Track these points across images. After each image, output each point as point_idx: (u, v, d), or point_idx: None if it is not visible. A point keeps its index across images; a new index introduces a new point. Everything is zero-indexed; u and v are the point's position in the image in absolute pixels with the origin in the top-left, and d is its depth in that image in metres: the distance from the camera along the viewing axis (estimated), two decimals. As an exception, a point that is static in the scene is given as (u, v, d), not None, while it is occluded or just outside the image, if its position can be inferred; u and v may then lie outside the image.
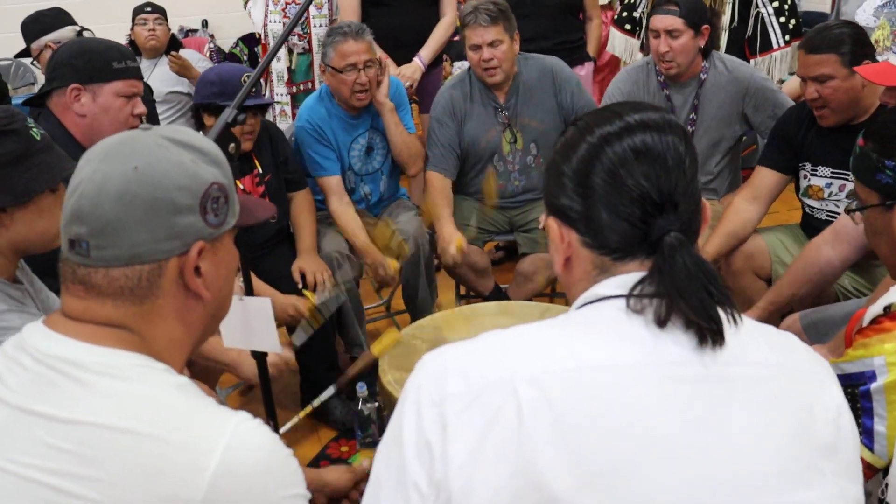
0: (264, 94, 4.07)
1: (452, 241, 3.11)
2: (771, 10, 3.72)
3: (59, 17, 3.69)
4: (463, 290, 3.58)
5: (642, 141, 1.02)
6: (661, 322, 0.97)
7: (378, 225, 3.13)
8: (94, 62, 2.26)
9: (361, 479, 1.84)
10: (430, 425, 0.96)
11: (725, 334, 0.97)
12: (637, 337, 0.98)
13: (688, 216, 1.03)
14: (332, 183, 3.22)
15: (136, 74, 2.36)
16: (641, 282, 0.99)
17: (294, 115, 4.11)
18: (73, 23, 3.72)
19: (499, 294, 3.40)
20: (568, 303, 2.75)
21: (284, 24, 4.07)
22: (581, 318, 1.04)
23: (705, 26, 3.11)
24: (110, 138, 1.10)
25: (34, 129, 1.67)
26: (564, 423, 0.92)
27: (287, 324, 2.84)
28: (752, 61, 3.75)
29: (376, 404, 2.36)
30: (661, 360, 0.96)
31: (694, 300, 0.96)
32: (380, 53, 3.75)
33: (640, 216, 1.01)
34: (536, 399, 0.93)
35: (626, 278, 1.02)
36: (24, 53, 3.80)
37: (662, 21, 3.09)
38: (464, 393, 0.96)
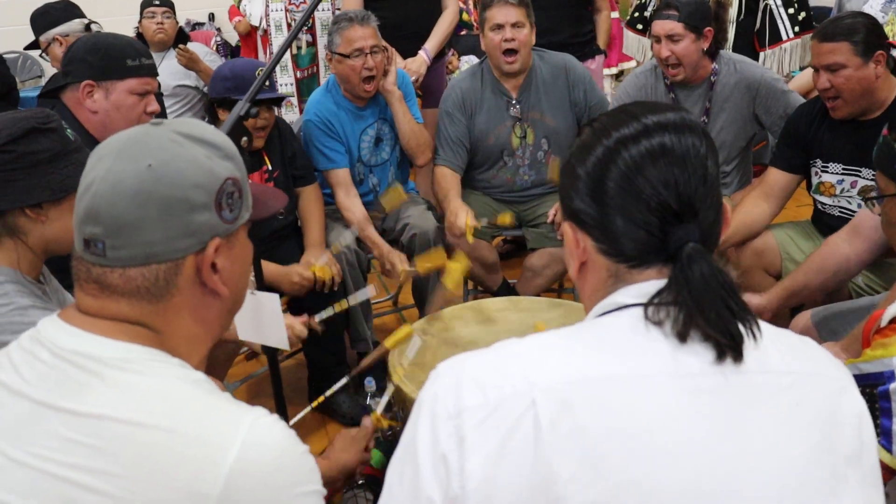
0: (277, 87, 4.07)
1: (460, 213, 3.07)
2: (779, 2, 3.70)
3: (67, 10, 3.69)
4: (471, 285, 3.57)
5: (660, 143, 1.00)
6: (682, 335, 0.95)
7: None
8: (108, 59, 2.26)
9: (366, 443, 1.87)
10: (446, 439, 0.94)
11: (744, 350, 0.95)
12: (657, 347, 0.96)
13: (708, 224, 1.00)
14: (340, 175, 3.21)
15: (151, 72, 2.35)
16: (660, 293, 0.97)
17: (300, 104, 4.12)
18: (81, 16, 3.72)
19: (507, 289, 3.39)
20: (577, 299, 2.72)
21: (288, 10, 4.08)
22: (600, 327, 1.02)
23: (708, 28, 3.08)
24: (121, 133, 1.09)
25: (68, 130, 1.71)
26: (585, 435, 0.90)
27: (293, 293, 2.87)
28: (761, 54, 3.73)
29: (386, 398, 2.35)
30: (682, 371, 0.94)
31: (712, 314, 0.94)
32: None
33: (658, 225, 0.99)
34: (555, 411, 0.91)
35: (645, 286, 1.00)
36: (33, 46, 3.79)
37: (662, 26, 3.08)
38: (481, 405, 0.94)
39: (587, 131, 1.07)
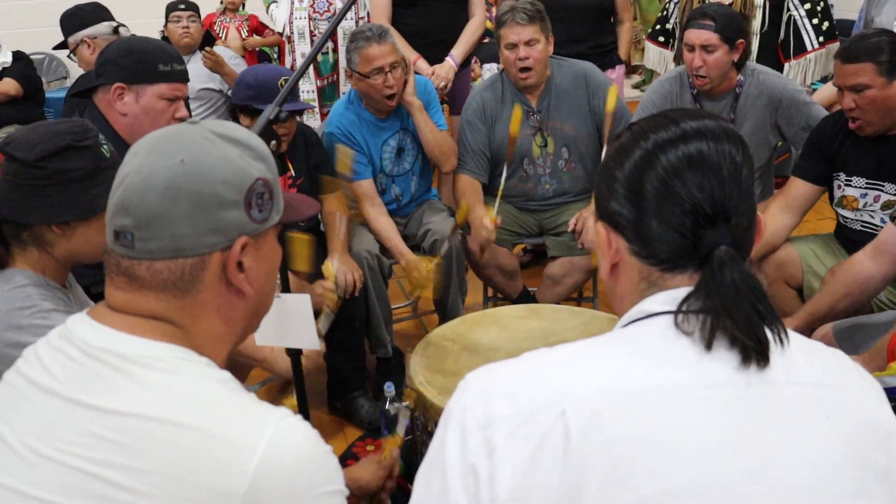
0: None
1: (485, 214, 3.09)
2: (803, 13, 3.71)
3: (96, 13, 3.71)
4: (491, 293, 3.58)
5: (697, 149, 1.00)
6: (708, 342, 0.94)
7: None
8: (140, 63, 2.28)
9: (391, 474, 1.85)
10: (475, 449, 0.93)
11: (771, 355, 0.95)
12: (685, 357, 0.95)
13: (741, 230, 1.00)
14: (365, 187, 3.23)
15: (182, 78, 2.36)
16: (689, 297, 0.97)
17: (322, 111, 4.14)
18: (110, 18, 3.74)
19: (527, 297, 3.39)
20: (596, 308, 2.72)
21: (312, 17, 4.11)
22: (629, 337, 1.01)
23: (740, 41, 3.08)
24: (158, 131, 1.10)
25: (104, 147, 1.71)
26: (614, 447, 0.89)
27: (319, 307, 2.83)
28: (786, 65, 3.74)
29: (404, 404, 2.36)
30: (711, 381, 0.94)
31: (740, 317, 0.94)
32: (413, 55, 3.77)
33: (690, 227, 0.98)
34: (585, 422, 0.90)
35: (674, 293, 0.99)
36: (62, 46, 3.83)
37: (698, 36, 3.06)
38: (512, 416, 0.93)
39: (626, 135, 1.07)
